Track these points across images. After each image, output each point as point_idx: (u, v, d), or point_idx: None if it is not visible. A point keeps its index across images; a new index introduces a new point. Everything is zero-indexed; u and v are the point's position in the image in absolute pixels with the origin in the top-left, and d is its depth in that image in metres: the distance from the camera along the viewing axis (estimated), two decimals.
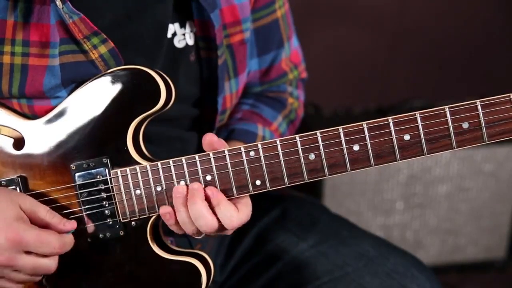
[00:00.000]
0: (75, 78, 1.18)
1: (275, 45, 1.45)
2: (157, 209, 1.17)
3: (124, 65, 1.19)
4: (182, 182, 1.15)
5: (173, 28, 1.28)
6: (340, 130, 1.10)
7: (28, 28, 1.15)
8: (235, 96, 1.39)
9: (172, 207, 1.15)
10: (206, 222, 1.11)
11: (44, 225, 1.14)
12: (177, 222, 1.15)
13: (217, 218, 1.12)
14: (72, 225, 1.16)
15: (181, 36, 1.29)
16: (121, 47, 1.18)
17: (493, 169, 2.49)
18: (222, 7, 1.30)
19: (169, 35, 1.27)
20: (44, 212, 1.14)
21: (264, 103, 1.48)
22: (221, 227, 1.13)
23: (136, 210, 1.18)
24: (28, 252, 1.11)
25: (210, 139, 1.14)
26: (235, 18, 1.33)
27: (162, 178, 1.16)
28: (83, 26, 1.14)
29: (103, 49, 1.17)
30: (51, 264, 1.14)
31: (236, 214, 1.13)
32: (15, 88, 1.17)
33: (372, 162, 1.10)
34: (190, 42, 1.30)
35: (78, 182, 1.18)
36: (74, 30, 1.14)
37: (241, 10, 1.34)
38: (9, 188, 1.19)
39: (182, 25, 1.29)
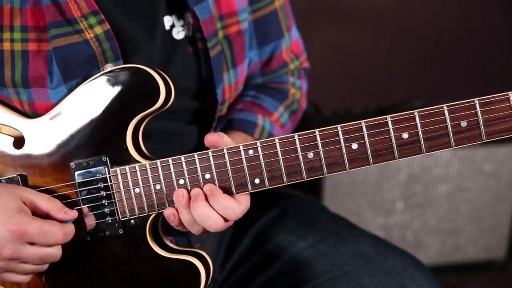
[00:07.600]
0: (69, 60, 1.18)
1: (274, 35, 1.45)
2: (156, 207, 1.17)
3: (124, 63, 1.19)
4: (182, 181, 1.16)
5: (171, 19, 1.28)
6: (339, 128, 1.10)
7: (25, 13, 1.16)
8: (234, 87, 1.39)
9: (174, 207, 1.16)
10: (215, 221, 1.12)
11: (45, 214, 1.15)
12: (181, 223, 1.16)
13: (220, 215, 1.13)
14: (73, 213, 1.16)
15: (180, 27, 1.29)
16: (115, 34, 1.19)
17: (493, 169, 2.49)
18: None
19: (167, 27, 1.28)
20: (45, 201, 1.15)
21: (265, 94, 1.48)
22: (226, 221, 1.14)
23: (136, 208, 1.18)
24: (32, 243, 1.11)
25: (211, 140, 1.15)
26: (231, 9, 1.33)
27: (161, 176, 1.16)
28: (84, 3, 1.15)
29: (99, 29, 1.17)
30: (56, 252, 1.14)
31: (236, 204, 1.13)
32: (18, 75, 1.17)
33: (371, 160, 1.10)
34: (189, 33, 1.30)
35: (77, 181, 1.18)
36: (73, 7, 1.15)
37: (237, 1, 1.34)
38: None
39: (180, 17, 1.29)
